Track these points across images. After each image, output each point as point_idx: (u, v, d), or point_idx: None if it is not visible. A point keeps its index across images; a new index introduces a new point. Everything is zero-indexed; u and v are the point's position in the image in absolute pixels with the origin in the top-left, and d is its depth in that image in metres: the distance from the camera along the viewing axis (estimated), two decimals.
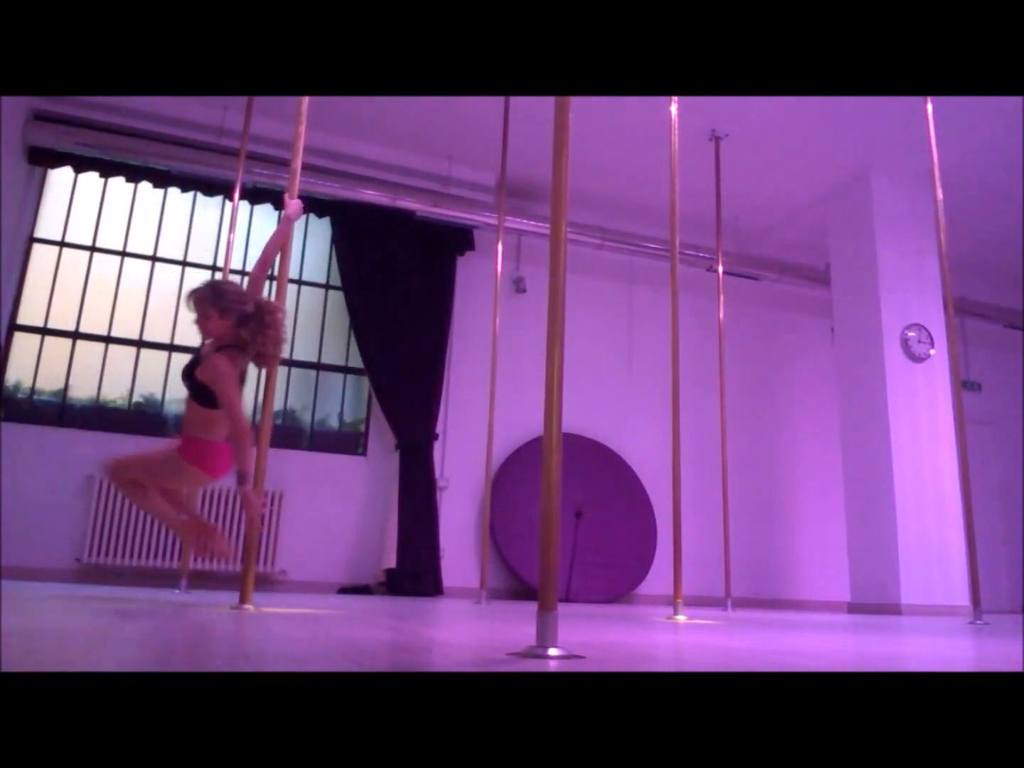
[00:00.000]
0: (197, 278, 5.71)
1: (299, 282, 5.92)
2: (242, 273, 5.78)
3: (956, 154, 5.71)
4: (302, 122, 3.01)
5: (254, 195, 5.69)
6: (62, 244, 5.41)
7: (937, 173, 4.17)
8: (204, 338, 2.83)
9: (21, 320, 5.20)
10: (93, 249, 5.48)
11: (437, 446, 5.81)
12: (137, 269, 5.58)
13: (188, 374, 2.75)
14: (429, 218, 5.97)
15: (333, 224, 5.90)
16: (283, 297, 2.91)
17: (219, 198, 5.75)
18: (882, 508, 5.54)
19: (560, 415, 1.35)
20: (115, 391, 5.35)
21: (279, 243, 2.97)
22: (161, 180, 5.52)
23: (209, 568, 5.01)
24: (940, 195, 4.12)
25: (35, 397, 5.16)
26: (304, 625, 1.87)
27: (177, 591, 3.94)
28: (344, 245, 5.86)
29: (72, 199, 5.52)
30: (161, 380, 5.45)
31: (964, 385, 7.35)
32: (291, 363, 5.75)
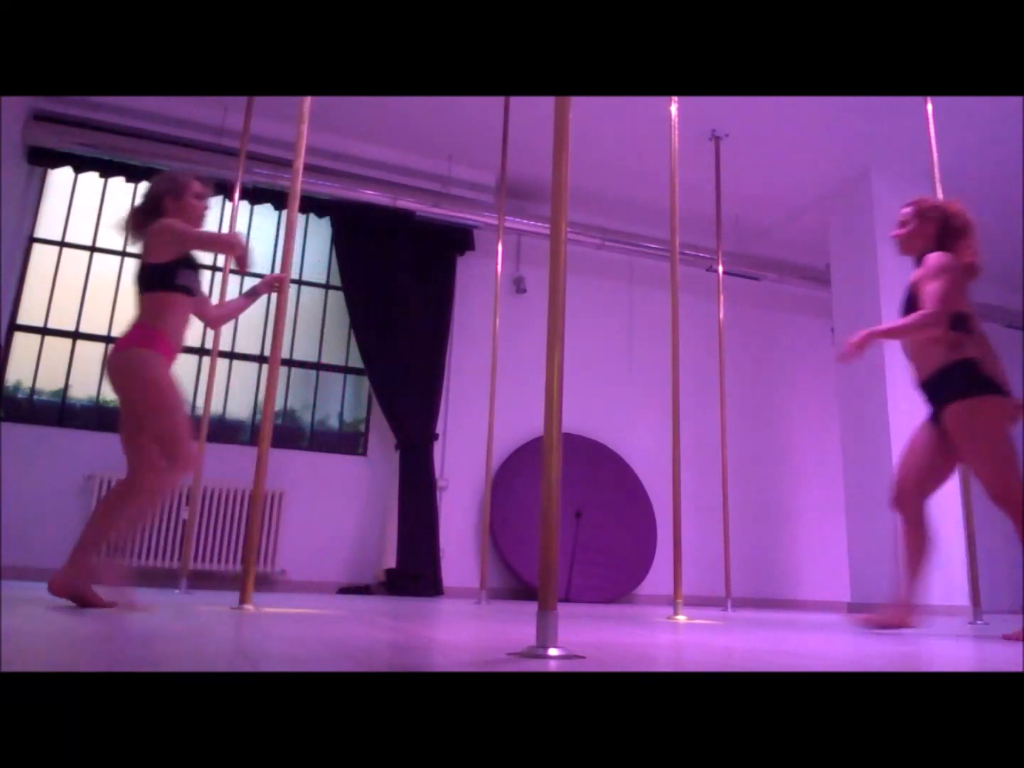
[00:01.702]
0: None
1: (299, 282, 5.92)
2: (243, 273, 5.78)
3: (956, 154, 5.71)
4: (304, 121, 3.01)
5: (254, 195, 5.69)
6: (62, 244, 5.41)
7: (937, 173, 4.17)
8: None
9: (21, 320, 5.20)
10: (93, 249, 5.48)
11: (437, 446, 5.81)
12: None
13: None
14: (429, 218, 5.97)
15: (333, 224, 5.90)
16: (284, 297, 2.90)
17: (219, 198, 5.75)
18: (882, 508, 5.53)
19: (560, 415, 1.35)
20: None
21: (238, 313, 2.92)
22: None
23: (209, 568, 5.01)
24: (940, 195, 4.12)
25: (35, 397, 5.16)
26: (304, 625, 1.87)
27: (177, 591, 3.95)
28: (344, 245, 5.86)
29: (72, 199, 5.52)
30: None
31: None
32: (291, 363, 5.75)
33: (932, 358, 2.60)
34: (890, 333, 2.64)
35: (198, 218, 2.67)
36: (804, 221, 6.95)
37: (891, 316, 5.88)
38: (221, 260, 5.70)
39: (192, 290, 2.56)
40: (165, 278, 2.49)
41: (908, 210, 2.79)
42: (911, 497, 2.67)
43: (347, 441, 5.87)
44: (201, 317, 2.77)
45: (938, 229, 2.71)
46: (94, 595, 2.35)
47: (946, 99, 5.05)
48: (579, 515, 5.97)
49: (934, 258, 2.63)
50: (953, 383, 2.56)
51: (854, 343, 2.65)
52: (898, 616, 2.61)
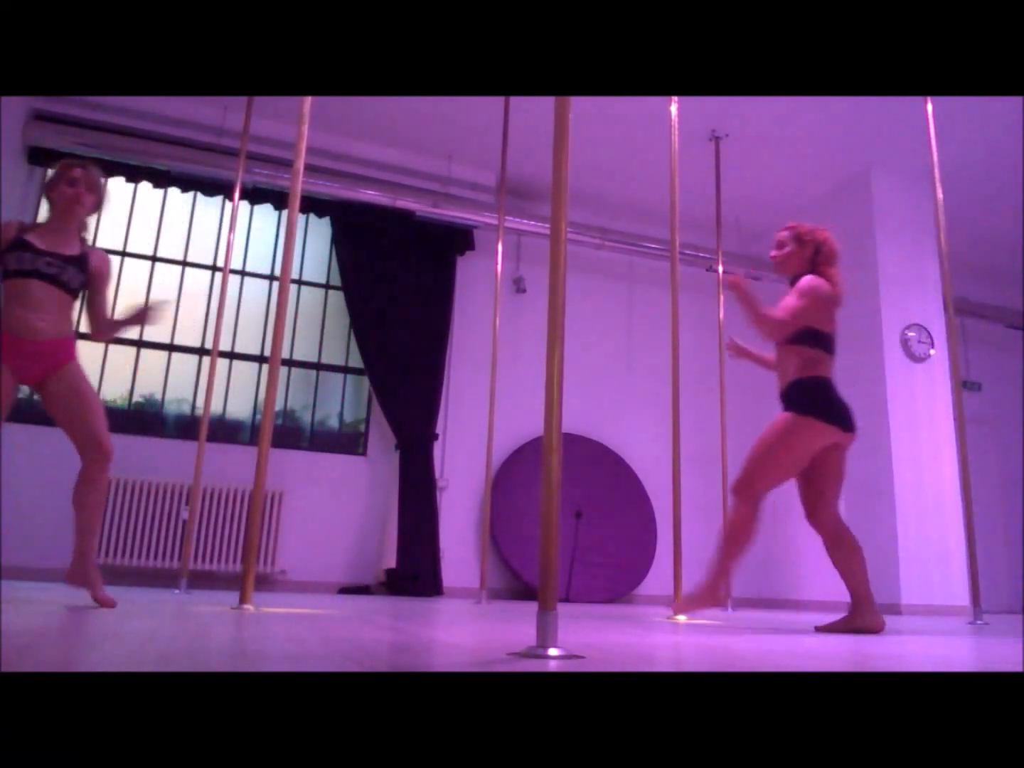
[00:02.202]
0: (197, 278, 5.72)
1: (299, 282, 5.92)
2: (243, 273, 5.79)
3: (956, 154, 5.71)
4: (305, 122, 3.01)
5: (254, 195, 5.69)
6: None
7: (937, 173, 4.17)
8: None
9: None
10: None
11: (437, 446, 5.81)
12: (137, 269, 5.58)
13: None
14: (429, 218, 5.97)
15: (333, 224, 5.90)
16: (285, 297, 2.90)
17: (219, 198, 5.75)
18: (882, 508, 5.54)
19: (560, 415, 1.35)
20: (115, 391, 5.35)
21: (115, 332, 2.78)
22: (161, 180, 5.52)
23: (209, 568, 5.01)
24: (940, 195, 4.12)
25: (35, 397, 5.15)
26: (304, 625, 1.87)
27: (177, 591, 3.95)
28: (344, 245, 5.86)
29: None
30: (161, 380, 5.45)
31: (964, 385, 7.35)
32: (291, 363, 5.75)
33: (790, 371, 2.79)
34: (750, 308, 2.77)
35: (69, 202, 2.63)
36: (804, 221, 6.94)
37: (891, 316, 5.90)
38: (221, 260, 5.70)
39: (28, 271, 2.47)
40: None
41: (785, 233, 2.97)
42: (817, 512, 2.79)
43: (347, 441, 5.87)
44: (91, 324, 2.71)
45: (812, 254, 2.89)
46: (102, 590, 2.45)
47: (946, 99, 5.05)
48: (579, 515, 5.97)
49: (806, 280, 2.81)
50: (797, 396, 2.75)
51: (732, 283, 2.78)
52: (869, 621, 2.61)
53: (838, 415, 2.70)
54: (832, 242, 2.91)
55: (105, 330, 2.70)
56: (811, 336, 2.75)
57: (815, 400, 2.71)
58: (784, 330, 2.75)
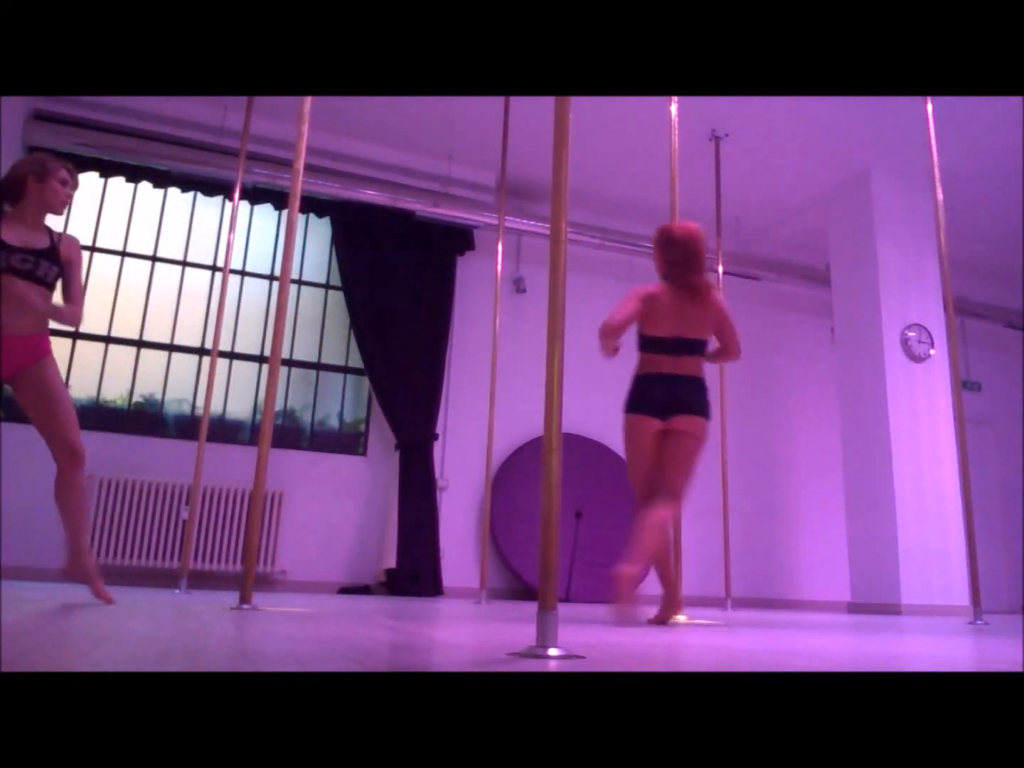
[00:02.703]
0: (197, 278, 5.72)
1: (299, 282, 5.92)
2: (243, 273, 5.79)
3: (956, 154, 5.71)
4: (304, 122, 3.01)
5: (254, 195, 5.69)
6: None
7: (937, 173, 4.17)
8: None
9: None
10: (93, 249, 5.48)
11: (437, 446, 5.81)
12: (137, 269, 5.58)
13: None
14: (429, 218, 5.97)
15: (333, 224, 5.90)
16: (285, 297, 2.90)
17: (219, 198, 5.75)
18: (882, 508, 5.54)
19: (560, 415, 1.35)
20: (115, 391, 5.35)
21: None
22: (161, 180, 5.52)
23: (209, 568, 5.01)
24: (940, 195, 4.12)
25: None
26: (304, 625, 1.87)
27: (177, 591, 3.95)
28: (344, 245, 5.86)
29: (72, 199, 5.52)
30: (161, 380, 5.45)
31: (964, 385, 7.35)
32: (291, 363, 5.75)
33: None
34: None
35: (60, 203, 2.65)
36: (804, 221, 6.95)
37: (891, 316, 5.90)
38: (221, 260, 5.71)
39: (1, 268, 2.44)
40: None
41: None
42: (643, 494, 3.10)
43: (347, 441, 5.87)
44: (63, 311, 2.63)
45: (659, 255, 2.99)
46: (102, 586, 2.52)
47: (946, 99, 5.05)
48: (579, 515, 5.97)
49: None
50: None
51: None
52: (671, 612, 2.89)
53: (642, 403, 2.91)
54: (668, 234, 2.92)
55: (74, 315, 2.62)
56: (640, 341, 3.01)
57: (628, 395, 2.97)
58: (602, 343, 2.86)
